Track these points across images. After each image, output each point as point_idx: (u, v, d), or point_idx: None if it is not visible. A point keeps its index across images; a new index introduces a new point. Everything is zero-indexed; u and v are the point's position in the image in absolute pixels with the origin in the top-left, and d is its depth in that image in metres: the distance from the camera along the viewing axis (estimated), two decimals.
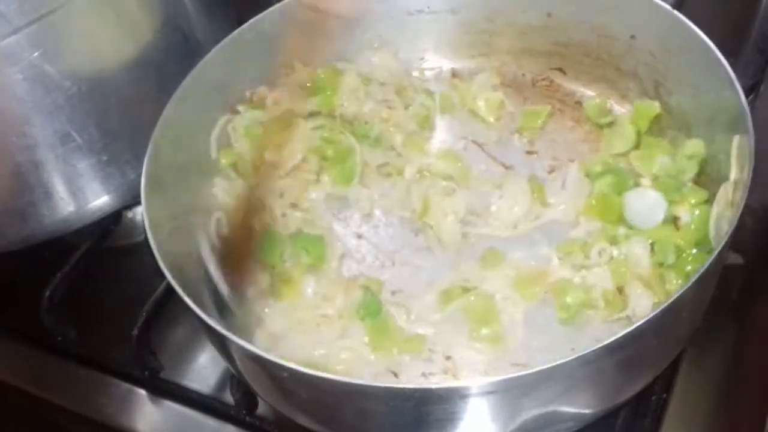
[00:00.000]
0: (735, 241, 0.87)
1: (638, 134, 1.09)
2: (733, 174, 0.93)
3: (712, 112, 1.00)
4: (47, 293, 1.11)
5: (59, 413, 1.09)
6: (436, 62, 1.26)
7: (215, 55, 1.10)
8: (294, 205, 1.12)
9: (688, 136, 1.05)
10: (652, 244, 0.98)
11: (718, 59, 0.96)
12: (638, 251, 0.97)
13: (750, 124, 0.89)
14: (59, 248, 1.16)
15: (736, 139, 0.93)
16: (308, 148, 1.14)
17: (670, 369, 0.95)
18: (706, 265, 0.81)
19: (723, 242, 0.83)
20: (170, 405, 1.06)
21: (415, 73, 1.25)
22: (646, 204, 1.01)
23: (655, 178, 1.04)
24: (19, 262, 1.19)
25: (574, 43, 1.17)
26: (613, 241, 0.99)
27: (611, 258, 0.98)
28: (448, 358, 0.97)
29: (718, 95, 0.96)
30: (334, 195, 1.13)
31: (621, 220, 1.02)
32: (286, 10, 1.16)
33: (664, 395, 0.96)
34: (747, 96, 1.12)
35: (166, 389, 1.07)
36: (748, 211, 0.87)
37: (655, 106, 1.09)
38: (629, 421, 0.96)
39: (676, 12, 1.02)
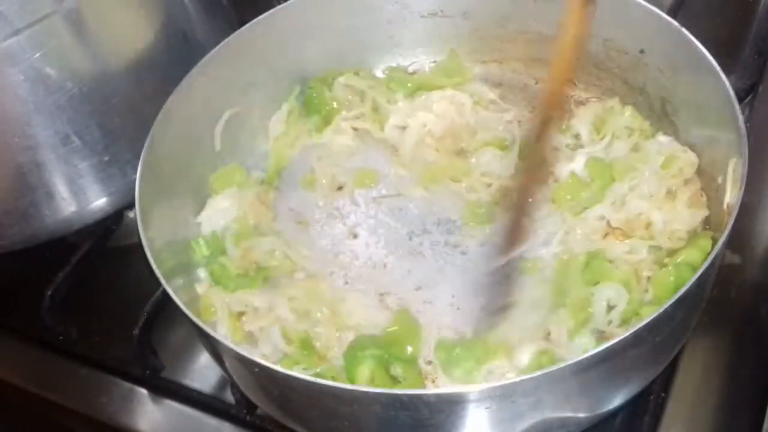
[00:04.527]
0: (733, 242, 0.87)
1: None
2: (728, 197, 0.93)
3: (714, 132, 1.00)
4: (49, 293, 1.12)
5: (60, 412, 1.10)
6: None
7: (220, 51, 1.11)
8: None
9: None
10: None
11: (722, 80, 0.95)
12: None
13: (746, 150, 0.88)
14: (61, 248, 1.17)
15: (732, 163, 0.93)
16: None
17: (668, 368, 0.96)
18: (697, 275, 0.81)
19: (717, 249, 0.83)
20: (171, 404, 1.06)
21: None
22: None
23: None
24: (20, 261, 1.19)
25: (585, 55, 1.17)
26: None
27: None
28: (428, 362, 0.98)
29: (719, 116, 0.96)
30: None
31: None
32: (289, 11, 1.16)
33: (663, 394, 0.96)
34: (745, 97, 1.13)
35: (166, 388, 1.07)
36: (746, 211, 0.88)
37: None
38: (628, 420, 0.96)
39: (684, 30, 1.01)
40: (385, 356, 0.93)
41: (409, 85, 1.22)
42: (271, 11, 1.15)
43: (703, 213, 1.00)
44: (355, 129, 1.20)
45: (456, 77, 1.22)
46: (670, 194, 1.02)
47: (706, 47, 0.99)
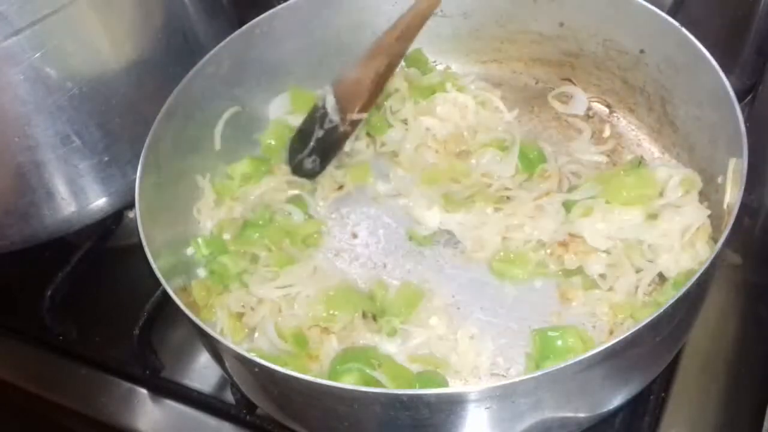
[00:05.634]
0: (734, 242, 0.87)
1: None
2: (728, 197, 0.93)
3: (714, 132, 1.00)
4: (48, 293, 1.12)
5: (60, 412, 1.10)
6: (447, 66, 1.27)
7: (220, 51, 1.11)
8: None
9: (691, 155, 1.06)
10: None
11: (721, 80, 0.95)
12: None
13: (746, 150, 0.88)
14: (60, 248, 1.17)
15: (732, 162, 0.93)
16: None
17: (668, 369, 0.96)
18: (697, 275, 0.81)
19: (717, 249, 0.83)
20: (171, 404, 1.06)
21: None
22: None
23: None
24: (20, 262, 1.19)
25: (585, 54, 1.18)
26: None
27: None
28: None
29: (719, 116, 0.96)
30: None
31: None
32: (289, 11, 1.16)
33: (663, 394, 0.97)
34: (745, 97, 1.13)
35: (166, 388, 1.07)
36: (746, 210, 0.87)
37: None
38: (628, 421, 0.96)
39: (684, 30, 1.02)
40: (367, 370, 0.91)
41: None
42: (271, 11, 1.15)
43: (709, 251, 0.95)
44: (369, 135, 1.20)
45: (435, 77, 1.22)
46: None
47: (706, 47, 0.99)
